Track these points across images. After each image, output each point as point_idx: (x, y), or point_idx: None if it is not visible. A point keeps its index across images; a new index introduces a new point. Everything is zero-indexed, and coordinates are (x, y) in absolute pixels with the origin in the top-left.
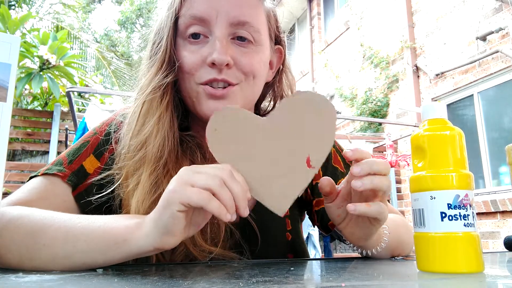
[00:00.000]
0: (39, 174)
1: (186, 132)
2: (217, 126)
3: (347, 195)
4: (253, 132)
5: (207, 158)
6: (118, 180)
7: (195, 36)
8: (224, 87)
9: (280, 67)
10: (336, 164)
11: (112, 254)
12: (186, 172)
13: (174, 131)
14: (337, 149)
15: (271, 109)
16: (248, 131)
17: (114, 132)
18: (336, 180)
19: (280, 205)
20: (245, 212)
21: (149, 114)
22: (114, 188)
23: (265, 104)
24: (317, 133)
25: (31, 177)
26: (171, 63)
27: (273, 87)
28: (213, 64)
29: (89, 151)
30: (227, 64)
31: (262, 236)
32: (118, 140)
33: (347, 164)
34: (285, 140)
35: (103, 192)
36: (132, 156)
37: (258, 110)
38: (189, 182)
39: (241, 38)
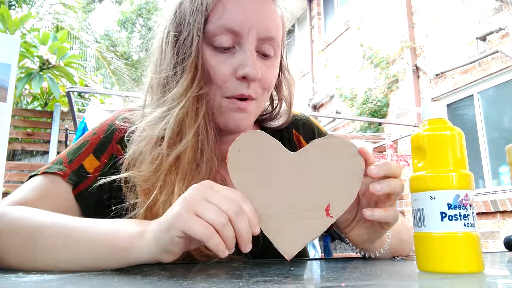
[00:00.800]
0: (39, 173)
1: None
2: (242, 148)
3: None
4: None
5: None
6: (131, 186)
7: (225, 45)
8: (245, 99)
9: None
10: None
11: (113, 262)
12: (195, 197)
13: (211, 144)
14: None
15: (272, 110)
16: (273, 161)
17: (115, 132)
18: None
19: (289, 249)
20: (247, 248)
21: (186, 126)
22: (125, 195)
23: (265, 104)
24: (342, 183)
25: (31, 176)
26: (202, 71)
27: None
28: (243, 78)
29: (88, 150)
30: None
31: (262, 236)
32: (121, 141)
33: None
34: (309, 181)
35: (103, 194)
36: (159, 168)
37: None
38: (196, 211)
39: (265, 52)
